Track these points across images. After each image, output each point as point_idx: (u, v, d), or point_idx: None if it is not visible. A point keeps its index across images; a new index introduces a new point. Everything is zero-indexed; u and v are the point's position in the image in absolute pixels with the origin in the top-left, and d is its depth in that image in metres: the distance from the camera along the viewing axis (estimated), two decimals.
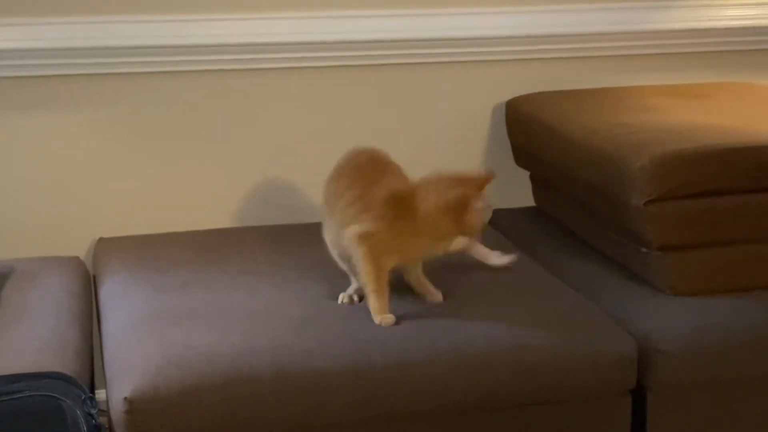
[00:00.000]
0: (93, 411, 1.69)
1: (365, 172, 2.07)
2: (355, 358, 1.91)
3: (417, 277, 2.11)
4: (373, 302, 2.01)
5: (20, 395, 1.68)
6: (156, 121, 2.53)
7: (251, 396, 1.85)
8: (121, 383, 1.85)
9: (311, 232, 2.47)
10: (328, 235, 2.11)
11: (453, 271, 2.27)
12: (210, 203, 2.58)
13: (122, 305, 2.13)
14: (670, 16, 2.74)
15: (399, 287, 2.14)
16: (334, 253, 2.10)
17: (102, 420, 1.79)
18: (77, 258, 2.44)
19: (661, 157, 2.08)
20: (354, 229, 2.01)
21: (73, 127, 2.48)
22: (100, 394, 2.13)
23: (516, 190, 2.74)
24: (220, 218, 2.57)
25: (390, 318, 2.00)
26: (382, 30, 2.57)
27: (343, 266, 2.11)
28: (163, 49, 2.46)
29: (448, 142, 2.70)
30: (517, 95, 2.67)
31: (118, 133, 2.51)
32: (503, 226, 2.64)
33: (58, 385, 1.71)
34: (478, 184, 2.01)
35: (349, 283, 2.12)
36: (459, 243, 2.16)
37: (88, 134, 2.50)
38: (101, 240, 2.50)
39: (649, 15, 2.73)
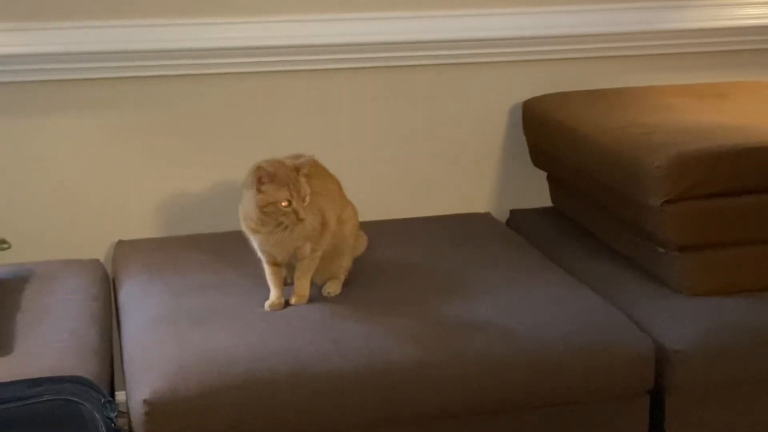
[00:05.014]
0: (112, 414, 1.70)
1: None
2: (372, 360, 1.92)
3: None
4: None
5: (40, 399, 1.69)
6: (174, 124, 2.54)
7: (269, 398, 1.86)
8: (140, 385, 1.86)
9: None
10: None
11: (469, 271, 2.28)
12: (228, 205, 2.58)
13: (141, 307, 2.14)
14: (686, 15, 2.73)
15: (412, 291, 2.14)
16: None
17: (122, 421, 1.80)
18: (97, 261, 2.45)
19: (677, 158, 2.08)
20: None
21: (91, 131, 2.50)
22: (120, 396, 2.14)
23: (533, 191, 2.74)
24: (238, 220, 2.57)
25: None
26: (399, 32, 2.57)
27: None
28: (182, 52, 2.47)
29: (465, 142, 2.70)
30: (534, 96, 2.66)
31: (136, 136, 2.52)
32: (521, 227, 2.64)
33: (77, 389, 1.72)
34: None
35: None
36: None
37: (106, 137, 2.51)
38: (120, 243, 2.51)
39: (665, 14, 2.72)
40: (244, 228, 2.12)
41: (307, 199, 2.03)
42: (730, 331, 2.07)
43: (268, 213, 2.03)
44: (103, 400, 1.70)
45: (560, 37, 2.68)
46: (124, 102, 2.49)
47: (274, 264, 2.12)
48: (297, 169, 2.04)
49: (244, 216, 2.11)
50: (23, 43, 2.39)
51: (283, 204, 2.01)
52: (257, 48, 2.50)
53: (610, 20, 2.70)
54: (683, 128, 2.25)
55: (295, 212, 2.01)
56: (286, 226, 2.03)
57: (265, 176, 2.01)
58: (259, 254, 2.14)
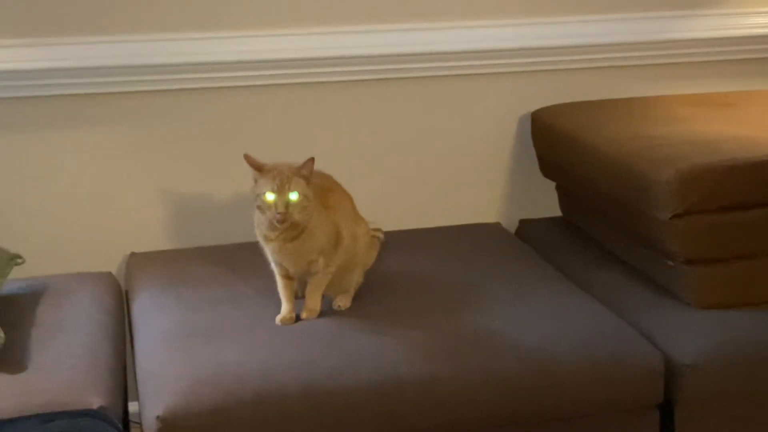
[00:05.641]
0: None
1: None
2: (383, 374, 1.93)
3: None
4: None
5: None
6: (185, 137, 2.55)
7: (280, 413, 1.88)
8: (153, 401, 1.88)
9: None
10: None
11: (478, 283, 2.29)
12: (240, 217, 2.60)
13: (154, 321, 2.16)
14: (695, 24, 2.73)
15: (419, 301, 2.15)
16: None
17: None
18: (109, 273, 2.47)
19: (686, 172, 2.08)
20: None
21: (103, 144, 2.51)
22: (133, 406, 2.17)
23: (542, 201, 2.75)
24: (250, 232, 2.58)
25: None
26: (408, 44, 2.58)
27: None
28: (193, 66, 2.49)
29: (474, 153, 2.71)
30: (543, 106, 2.67)
31: (148, 149, 2.54)
32: (530, 237, 2.65)
33: (90, 423, 1.74)
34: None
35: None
36: None
37: (118, 151, 2.53)
38: (133, 255, 2.53)
39: (673, 24, 2.72)
40: (258, 236, 2.14)
41: (293, 197, 2.02)
42: (739, 344, 2.07)
43: (259, 207, 2.05)
44: None
45: (569, 48, 2.68)
46: (135, 116, 2.51)
47: (287, 277, 2.13)
48: (301, 174, 2.06)
49: (256, 224, 2.12)
50: (34, 58, 2.41)
51: (269, 198, 2.02)
52: (267, 61, 2.52)
53: (618, 30, 2.70)
54: (692, 140, 2.25)
55: (275, 205, 2.02)
56: (281, 232, 2.04)
57: (254, 162, 2.05)
58: (272, 266, 2.15)
